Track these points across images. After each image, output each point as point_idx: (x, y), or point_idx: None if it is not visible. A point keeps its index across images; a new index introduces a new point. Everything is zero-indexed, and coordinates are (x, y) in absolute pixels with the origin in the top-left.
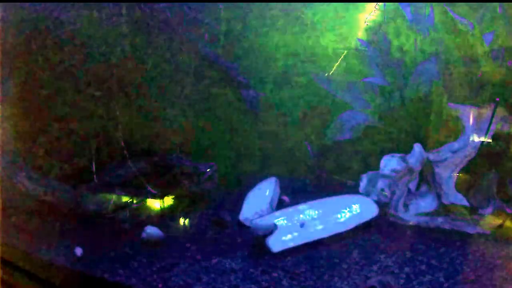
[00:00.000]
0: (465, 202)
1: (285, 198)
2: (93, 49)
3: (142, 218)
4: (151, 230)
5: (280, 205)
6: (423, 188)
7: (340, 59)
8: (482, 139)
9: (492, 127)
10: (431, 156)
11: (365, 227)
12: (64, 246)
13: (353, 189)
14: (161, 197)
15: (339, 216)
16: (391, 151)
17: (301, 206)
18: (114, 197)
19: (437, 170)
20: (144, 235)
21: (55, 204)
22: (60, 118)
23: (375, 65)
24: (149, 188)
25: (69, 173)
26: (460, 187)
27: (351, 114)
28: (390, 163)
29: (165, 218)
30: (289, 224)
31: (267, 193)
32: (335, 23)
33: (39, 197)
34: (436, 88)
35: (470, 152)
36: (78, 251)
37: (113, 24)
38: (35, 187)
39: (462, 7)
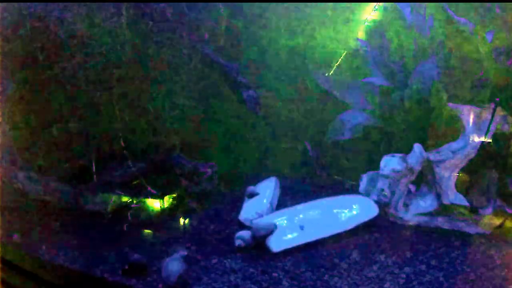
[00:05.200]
0: (465, 202)
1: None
2: (93, 49)
3: (142, 218)
4: (244, 236)
5: (280, 205)
6: (423, 188)
7: (340, 59)
8: (482, 139)
9: (492, 127)
10: (431, 156)
11: (365, 227)
12: (64, 246)
13: (353, 189)
14: (161, 197)
15: (339, 216)
16: (391, 151)
17: (301, 206)
18: (114, 197)
19: (437, 170)
20: (241, 242)
21: (55, 204)
22: (60, 118)
23: (375, 65)
24: (149, 188)
25: (69, 173)
26: (460, 187)
27: (351, 114)
28: (390, 163)
29: (165, 218)
30: (289, 224)
31: (267, 193)
32: (335, 23)
33: (39, 197)
34: (436, 88)
35: (470, 152)
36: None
37: (113, 24)
38: (35, 187)
39: (463, 7)
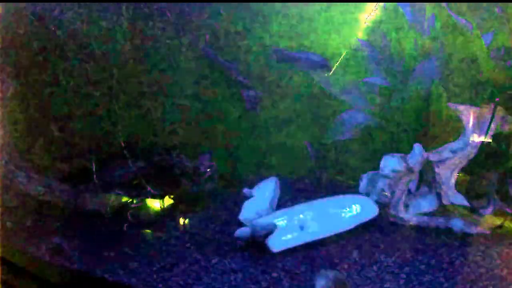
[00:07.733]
0: (465, 202)
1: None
2: (93, 49)
3: (142, 218)
4: (243, 234)
5: (280, 205)
6: (423, 188)
7: (340, 59)
8: (482, 139)
9: (492, 127)
10: (431, 156)
11: (365, 227)
12: (64, 246)
13: (353, 189)
14: (161, 197)
15: (339, 216)
16: (391, 151)
17: (301, 206)
18: (114, 197)
19: (437, 170)
20: (242, 242)
21: (55, 204)
22: (60, 117)
23: (375, 65)
24: (149, 188)
25: (69, 173)
26: (460, 187)
27: (351, 114)
28: (390, 163)
29: (165, 218)
30: (289, 224)
31: (267, 193)
32: (335, 23)
33: (39, 197)
34: (436, 88)
35: (470, 152)
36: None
37: (113, 23)
38: (35, 187)
39: (462, 7)
